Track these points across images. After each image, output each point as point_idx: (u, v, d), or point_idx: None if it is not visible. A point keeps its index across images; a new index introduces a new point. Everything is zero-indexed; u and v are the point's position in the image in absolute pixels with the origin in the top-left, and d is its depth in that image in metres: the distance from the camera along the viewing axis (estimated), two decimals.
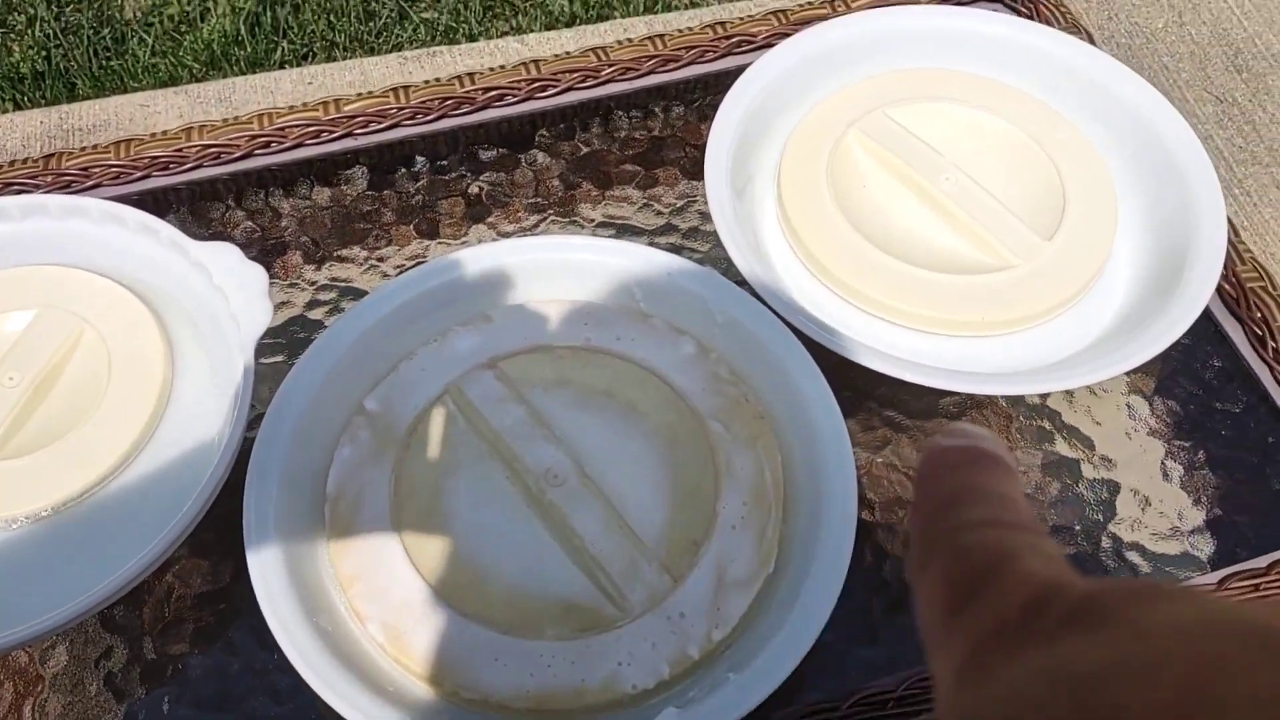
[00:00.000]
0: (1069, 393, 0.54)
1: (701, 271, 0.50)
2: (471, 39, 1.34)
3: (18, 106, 1.26)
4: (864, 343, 0.48)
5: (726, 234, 0.51)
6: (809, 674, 0.44)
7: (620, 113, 0.63)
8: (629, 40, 0.63)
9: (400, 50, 1.13)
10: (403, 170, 0.60)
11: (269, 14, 1.35)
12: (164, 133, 0.58)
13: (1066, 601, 0.15)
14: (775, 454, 0.47)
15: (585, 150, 0.61)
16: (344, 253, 0.57)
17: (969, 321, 0.51)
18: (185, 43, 1.32)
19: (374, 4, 1.37)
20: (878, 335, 0.52)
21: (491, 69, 0.62)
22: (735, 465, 0.46)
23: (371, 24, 1.35)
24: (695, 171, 0.55)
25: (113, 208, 0.52)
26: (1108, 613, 0.14)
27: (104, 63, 1.30)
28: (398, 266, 0.56)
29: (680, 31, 0.64)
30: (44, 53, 1.31)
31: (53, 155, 0.57)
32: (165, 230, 0.51)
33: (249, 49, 1.31)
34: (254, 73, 1.18)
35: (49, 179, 0.57)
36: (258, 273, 0.49)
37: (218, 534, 0.48)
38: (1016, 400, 0.53)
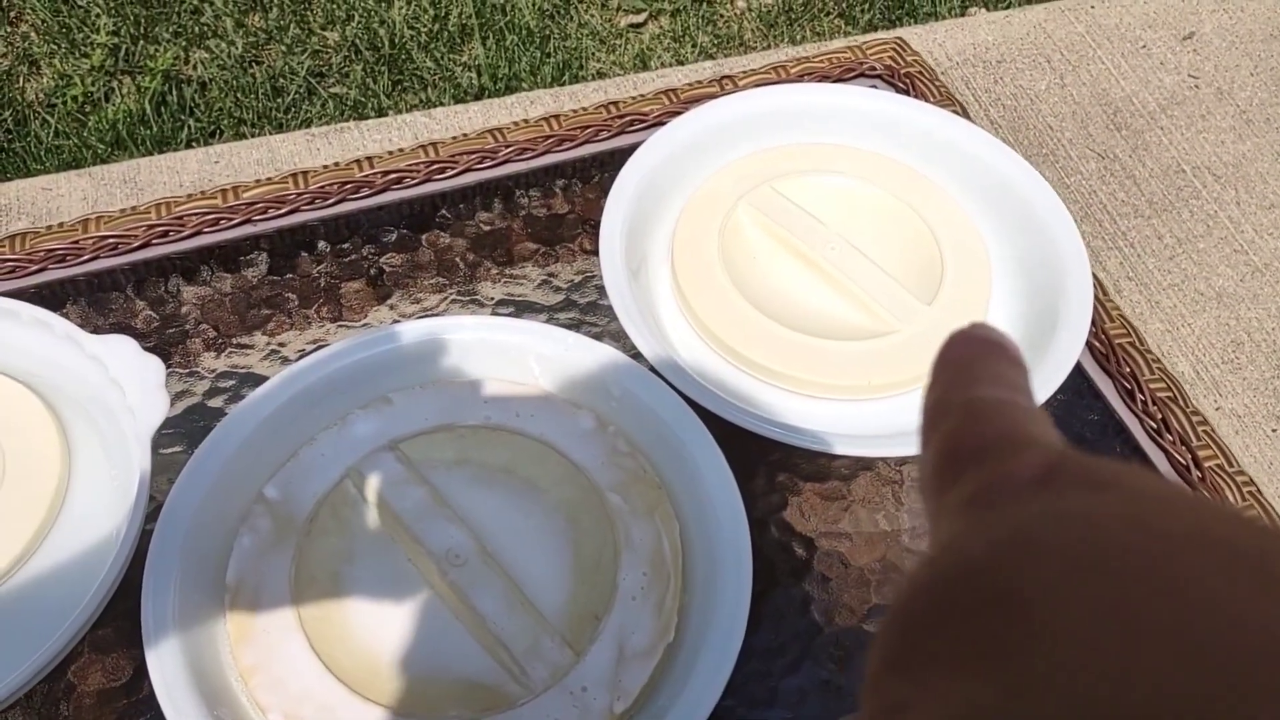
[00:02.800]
0: None
1: (597, 346, 0.52)
2: (381, 113, 1.35)
3: None
4: (756, 411, 0.50)
5: (622, 309, 0.52)
6: None
7: (520, 191, 0.64)
8: (525, 121, 0.65)
9: (309, 126, 1.14)
10: (304, 254, 0.61)
11: (175, 93, 1.35)
12: (60, 225, 0.58)
13: (1078, 467, 0.16)
14: (673, 523, 0.48)
15: (486, 229, 0.63)
16: (244, 339, 0.57)
17: (857, 385, 0.53)
18: (90, 123, 1.31)
19: (282, 80, 1.38)
20: (771, 402, 0.54)
21: (391, 152, 0.63)
22: (634, 536, 0.47)
23: (280, 100, 1.36)
24: (594, 247, 0.57)
25: (6, 303, 0.52)
26: (1109, 477, 0.16)
27: (4, 145, 1.29)
28: (299, 351, 0.56)
29: (575, 111, 0.66)
30: None
31: None
32: (60, 325, 0.51)
33: (155, 128, 1.30)
34: (160, 152, 1.18)
35: None
36: (154, 364, 0.49)
37: (117, 629, 0.48)
38: (904, 461, 0.55)
